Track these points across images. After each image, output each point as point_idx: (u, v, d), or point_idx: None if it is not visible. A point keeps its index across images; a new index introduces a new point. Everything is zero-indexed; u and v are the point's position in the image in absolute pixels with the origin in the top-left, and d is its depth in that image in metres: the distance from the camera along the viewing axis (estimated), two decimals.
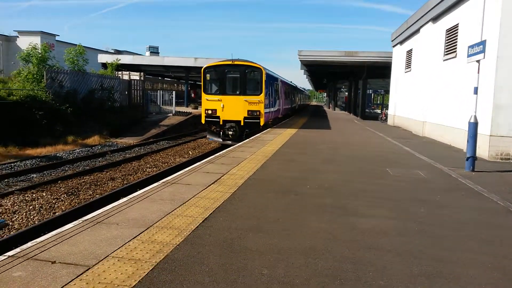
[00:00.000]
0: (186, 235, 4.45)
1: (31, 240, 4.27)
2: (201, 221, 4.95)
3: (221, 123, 18.26)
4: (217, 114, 18.16)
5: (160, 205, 5.58)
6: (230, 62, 18.47)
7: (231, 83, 18.58)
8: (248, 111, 17.96)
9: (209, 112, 18.28)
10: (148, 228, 4.64)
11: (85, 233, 4.41)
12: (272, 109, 20.95)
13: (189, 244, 4.22)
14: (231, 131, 18.13)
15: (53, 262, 3.66)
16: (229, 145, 16.40)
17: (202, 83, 18.93)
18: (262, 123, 18.17)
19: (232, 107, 18.04)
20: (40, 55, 21.94)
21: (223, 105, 17.99)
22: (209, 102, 18.34)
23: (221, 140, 18.65)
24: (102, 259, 3.74)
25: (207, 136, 20.04)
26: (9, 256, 3.77)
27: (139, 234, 4.42)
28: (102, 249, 3.98)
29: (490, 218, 5.66)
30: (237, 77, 18.40)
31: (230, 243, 4.29)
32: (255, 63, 18.90)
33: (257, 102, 18.00)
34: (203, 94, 18.78)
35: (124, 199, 5.93)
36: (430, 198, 6.62)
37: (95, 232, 4.46)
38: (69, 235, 4.33)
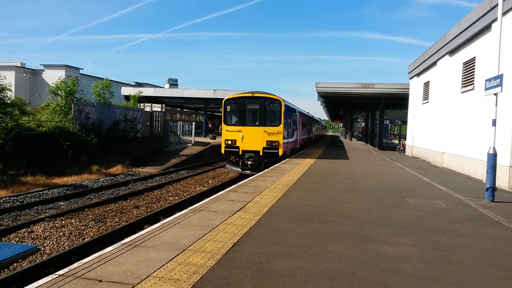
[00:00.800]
0: (218, 258, 4.74)
1: (66, 265, 4.61)
2: (230, 246, 5.24)
3: (240, 153, 18.70)
4: (237, 145, 18.66)
5: (191, 231, 5.90)
6: (250, 94, 19.14)
7: (250, 114, 19.14)
8: (267, 141, 18.41)
9: (229, 142, 18.78)
10: (182, 251, 4.95)
11: (125, 255, 4.74)
12: (290, 140, 21.38)
13: (222, 266, 4.50)
14: (250, 161, 18.57)
15: (100, 281, 3.99)
16: (248, 175, 16.75)
17: (222, 114, 19.52)
18: (280, 153, 18.51)
19: (251, 138, 18.53)
20: (68, 88, 22.99)
21: (242, 136, 18.52)
22: (229, 132, 18.88)
23: (240, 169, 19.06)
24: (144, 279, 4.05)
25: (227, 166, 20.51)
26: (59, 275, 4.12)
27: (175, 257, 4.73)
28: (143, 269, 4.30)
29: (510, 247, 5.79)
30: (257, 109, 18.95)
31: (260, 266, 4.56)
32: (274, 95, 19.49)
33: (276, 133, 18.45)
34: (223, 125, 19.37)
35: (157, 224, 6.27)
36: (450, 227, 6.77)
37: (134, 254, 4.79)
38: (110, 257, 4.67)
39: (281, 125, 18.53)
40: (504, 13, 11.53)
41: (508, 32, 11.76)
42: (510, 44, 11.75)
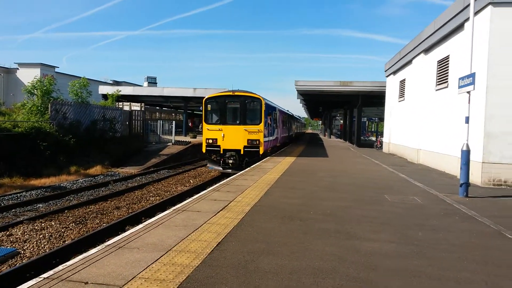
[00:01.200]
0: (203, 258, 4.82)
1: (47, 269, 4.60)
2: (215, 245, 5.32)
3: (221, 152, 18.75)
4: (218, 143, 18.71)
5: (175, 231, 5.95)
6: (230, 93, 19.18)
7: (231, 113, 19.18)
8: (248, 140, 18.53)
9: (210, 141, 18.83)
10: (167, 252, 5.00)
11: (110, 257, 4.77)
12: (271, 138, 21.48)
13: (207, 266, 4.59)
14: (231, 159, 18.61)
15: (86, 283, 4.01)
16: (229, 174, 16.82)
17: (203, 113, 19.49)
18: (261, 152, 18.63)
19: (232, 137, 18.61)
20: (45, 87, 22.53)
21: (223, 135, 18.60)
22: (210, 131, 18.91)
23: (221, 168, 19.09)
24: (130, 280, 4.10)
25: (208, 165, 20.52)
26: (44, 278, 4.12)
27: (160, 257, 4.78)
28: (128, 271, 4.34)
29: (483, 241, 6.06)
30: (237, 107, 19.01)
31: (244, 265, 4.66)
32: (255, 94, 19.56)
33: (257, 131, 18.58)
34: (204, 124, 19.36)
35: (141, 225, 6.29)
36: (427, 223, 7.02)
37: (119, 256, 4.82)
38: (95, 259, 4.69)
39: (262, 124, 18.66)
40: (476, 13, 11.95)
41: (480, 32, 12.19)
42: (482, 43, 12.17)
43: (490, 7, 11.93)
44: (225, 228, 6.21)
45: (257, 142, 18.52)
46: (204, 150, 19.29)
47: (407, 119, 21.87)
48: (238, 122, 18.85)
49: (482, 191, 10.90)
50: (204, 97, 19.92)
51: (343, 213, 7.60)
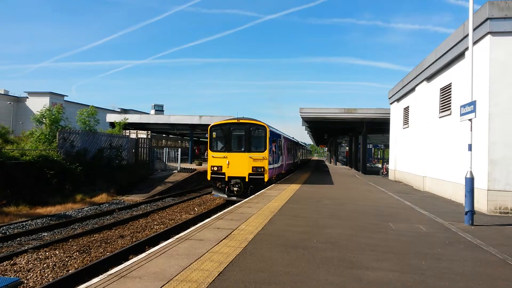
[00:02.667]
0: None
1: None
2: (216, 275, 5.32)
3: (226, 179, 18.72)
4: (223, 171, 18.71)
5: (177, 260, 5.96)
6: (235, 121, 19.38)
7: (236, 141, 19.28)
8: (253, 167, 18.53)
9: (215, 168, 18.82)
10: (168, 281, 5.01)
11: (112, 286, 4.79)
12: (275, 165, 21.43)
13: None
14: (236, 187, 18.55)
15: None
16: (234, 201, 16.69)
17: (208, 141, 19.63)
18: (266, 179, 18.59)
19: (237, 164, 18.63)
20: (53, 116, 22.94)
21: (228, 162, 18.63)
22: (215, 159, 18.97)
23: (226, 196, 19.01)
24: None
25: (213, 192, 20.42)
26: None
27: (161, 287, 4.79)
28: None
29: (488, 270, 5.99)
30: (242, 135, 19.14)
31: None
32: (259, 121, 19.70)
33: (262, 159, 18.61)
34: (209, 151, 19.48)
35: (143, 254, 6.31)
36: (431, 251, 6.97)
37: (121, 285, 4.84)
38: None
39: (267, 151, 18.74)
40: (475, 42, 12.18)
41: (480, 60, 12.37)
42: (483, 71, 12.32)
43: (489, 36, 12.15)
44: (228, 257, 6.21)
45: (262, 169, 18.51)
46: (209, 178, 19.24)
47: (412, 146, 21.87)
48: (243, 149, 18.92)
49: (488, 219, 10.79)
50: (209, 124, 20.17)
51: (347, 241, 7.56)
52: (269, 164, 19.02)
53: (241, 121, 19.31)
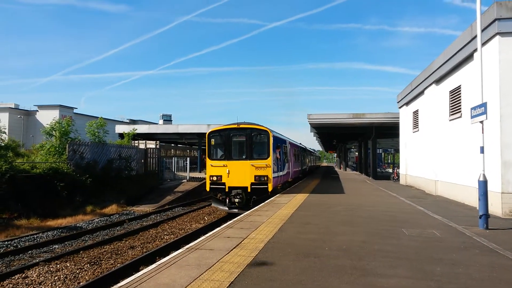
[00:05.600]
0: None
1: None
2: (227, 285, 5.25)
3: (226, 190, 17.31)
4: (223, 181, 17.35)
5: (187, 271, 5.90)
6: (235, 126, 17.96)
7: (236, 147, 17.94)
8: (255, 176, 17.10)
9: (214, 178, 17.49)
10: None
11: None
12: (281, 173, 20.03)
13: None
14: (237, 198, 17.06)
15: None
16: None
17: (206, 148, 18.35)
18: (270, 189, 17.10)
19: (238, 173, 17.27)
20: (63, 128, 23.14)
21: (228, 171, 17.29)
22: (214, 168, 17.62)
23: (227, 208, 17.66)
24: None
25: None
26: None
27: None
28: None
29: (506, 275, 5.83)
30: (243, 141, 17.72)
31: None
32: (262, 126, 18.30)
33: (265, 167, 17.15)
34: (207, 160, 18.23)
35: (153, 265, 6.26)
36: (446, 257, 6.82)
37: None
38: None
39: (270, 158, 17.31)
40: (484, 43, 12.04)
41: (490, 61, 12.23)
42: (493, 73, 12.17)
43: (498, 37, 12.01)
44: (238, 266, 6.13)
45: (265, 178, 17.04)
46: (208, 189, 17.81)
47: (423, 150, 21.64)
48: (244, 157, 17.51)
49: (503, 222, 10.58)
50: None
51: (359, 248, 7.44)
52: (273, 172, 17.61)
53: (241, 126, 17.88)
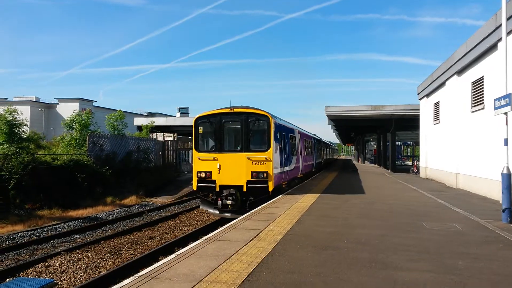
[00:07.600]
0: None
1: None
2: (246, 276, 5.25)
3: (217, 189, 14.24)
4: (212, 178, 14.24)
5: (206, 261, 5.93)
6: (228, 110, 14.63)
7: (229, 137, 14.98)
8: (253, 172, 13.95)
9: (202, 175, 14.39)
10: (198, 282, 4.98)
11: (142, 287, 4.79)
12: (286, 169, 16.43)
13: None
14: (230, 199, 13.88)
15: None
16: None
17: (193, 138, 15.09)
18: (271, 188, 13.93)
19: (231, 168, 14.12)
20: (83, 121, 23.53)
21: (219, 166, 14.16)
22: (202, 162, 14.50)
23: (218, 212, 14.65)
24: None
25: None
26: None
27: None
28: None
29: None
30: (238, 129, 14.53)
31: None
32: (260, 110, 14.81)
33: (264, 160, 13.96)
34: (194, 152, 15.09)
35: (172, 255, 6.32)
36: (468, 251, 6.68)
37: (151, 286, 4.84)
38: None
39: (271, 150, 14.06)
40: (508, 33, 11.65)
41: None
42: None
43: None
44: (256, 258, 6.13)
45: (265, 174, 13.87)
46: (194, 187, 14.78)
47: (444, 143, 21.23)
48: (239, 148, 14.36)
49: None
50: None
51: (378, 242, 7.35)
52: (275, 167, 14.40)
53: (235, 110, 14.55)
